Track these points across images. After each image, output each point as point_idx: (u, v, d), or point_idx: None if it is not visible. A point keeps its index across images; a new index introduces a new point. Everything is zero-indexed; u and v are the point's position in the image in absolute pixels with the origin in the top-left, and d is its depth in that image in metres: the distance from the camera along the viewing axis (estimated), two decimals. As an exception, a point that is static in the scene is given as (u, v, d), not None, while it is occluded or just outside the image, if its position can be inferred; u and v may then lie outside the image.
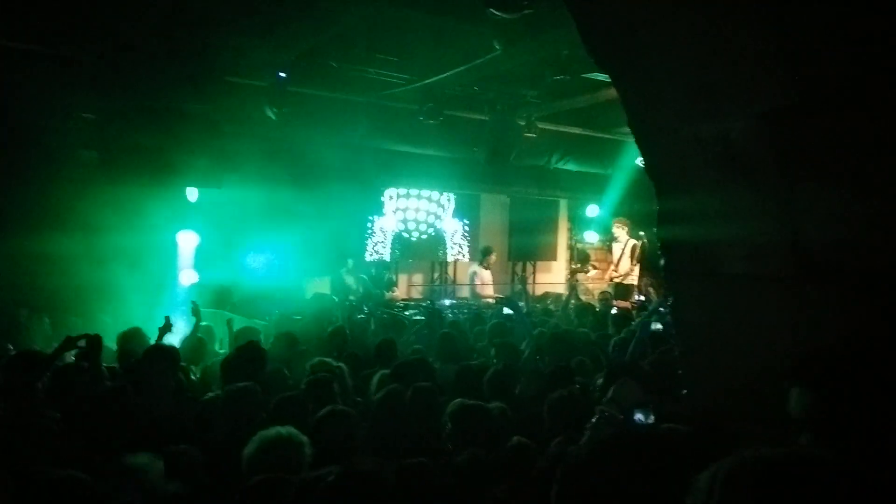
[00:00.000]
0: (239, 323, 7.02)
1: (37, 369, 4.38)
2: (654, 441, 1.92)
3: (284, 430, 3.09)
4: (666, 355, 4.88)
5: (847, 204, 2.50)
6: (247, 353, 4.82)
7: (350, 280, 10.87)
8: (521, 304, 9.10)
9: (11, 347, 6.11)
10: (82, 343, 4.74)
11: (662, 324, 6.46)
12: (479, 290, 11.11)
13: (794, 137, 2.44)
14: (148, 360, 4.61)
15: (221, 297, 8.73)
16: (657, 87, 2.83)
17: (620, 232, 10.99)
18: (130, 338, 5.70)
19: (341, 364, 4.82)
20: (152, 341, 5.42)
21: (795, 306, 2.79)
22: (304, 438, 3.07)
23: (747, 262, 2.91)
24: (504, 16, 5.70)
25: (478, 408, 3.63)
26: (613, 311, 8.76)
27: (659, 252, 3.46)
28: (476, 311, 9.50)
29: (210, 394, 4.46)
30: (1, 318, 7.48)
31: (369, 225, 11.87)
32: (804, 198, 2.58)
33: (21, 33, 6.81)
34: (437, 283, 13.22)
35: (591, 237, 13.75)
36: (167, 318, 5.63)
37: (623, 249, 10.89)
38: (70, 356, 4.79)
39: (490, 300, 10.63)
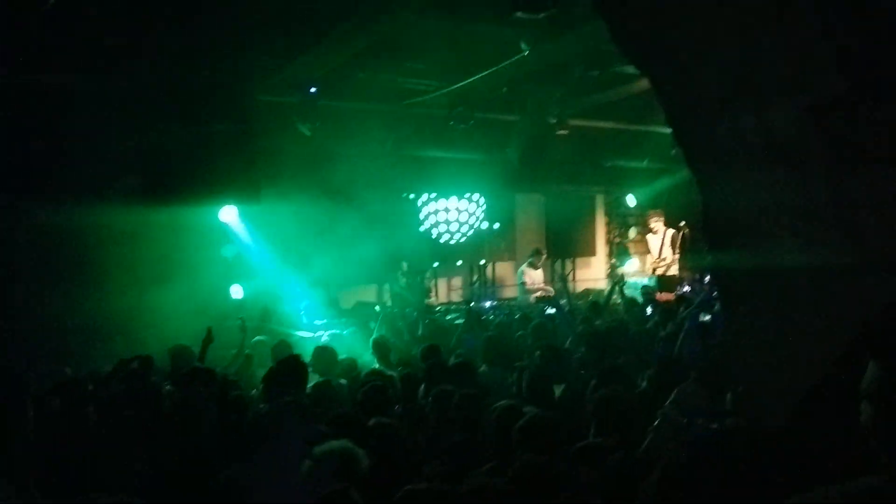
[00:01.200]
0: (279, 336, 7.14)
1: (90, 392, 4.52)
2: (749, 444, 1.88)
3: (339, 443, 3.12)
4: (718, 352, 4.79)
5: (901, 192, 2.43)
6: (287, 367, 4.87)
7: (403, 281, 10.99)
8: (563, 301, 9.06)
9: (69, 371, 6.30)
10: (135, 364, 4.88)
11: (711, 314, 6.34)
12: (529, 289, 11.09)
13: (843, 127, 2.38)
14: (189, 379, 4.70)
15: (265, 312, 8.86)
16: (694, 83, 2.79)
17: (657, 224, 10.87)
18: (178, 355, 5.83)
19: (393, 373, 4.86)
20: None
21: (852, 299, 2.72)
22: (360, 451, 3.09)
23: (800, 255, 2.85)
24: (530, 17, 5.67)
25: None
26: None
27: (704, 246, 3.40)
28: (519, 311, 9.46)
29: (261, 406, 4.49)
30: (56, 341, 7.72)
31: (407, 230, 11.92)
32: (857, 188, 2.51)
33: (59, 68, 7.02)
34: (477, 285, 13.21)
35: (631, 232, 13.64)
36: (209, 331, 5.76)
37: (663, 239, 10.76)
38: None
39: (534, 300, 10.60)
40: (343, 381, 5.34)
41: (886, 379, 1.62)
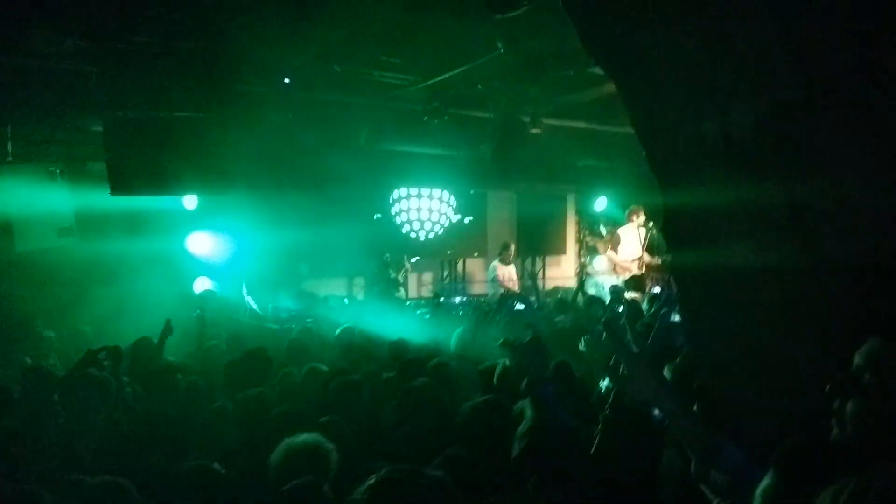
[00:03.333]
0: (247, 327, 7.10)
1: (55, 382, 4.46)
2: None
3: (311, 436, 3.11)
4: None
5: (853, 196, 2.50)
6: (252, 359, 4.85)
7: (391, 273, 10.95)
8: (532, 298, 9.11)
9: (29, 360, 6.20)
10: (103, 355, 4.81)
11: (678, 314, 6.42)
12: (503, 286, 11.08)
13: (798, 132, 2.44)
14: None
15: (231, 304, 8.78)
16: (657, 86, 2.84)
17: (638, 219, 10.81)
18: (141, 347, 5.77)
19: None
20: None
21: (804, 298, 2.79)
22: (331, 445, 3.08)
23: (755, 256, 2.91)
24: (505, 15, 5.70)
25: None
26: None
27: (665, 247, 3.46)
28: (489, 307, 9.49)
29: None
30: (17, 330, 7.59)
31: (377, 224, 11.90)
32: (812, 190, 2.58)
33: (27, 49, 6.89)
34: (447, 280, 13.24)
35: (601, 232, 13.71)
36: (168, 322, 5.71)
37: (641, 237, 10.73)
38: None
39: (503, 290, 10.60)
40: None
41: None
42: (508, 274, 11.22)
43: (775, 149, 2.55)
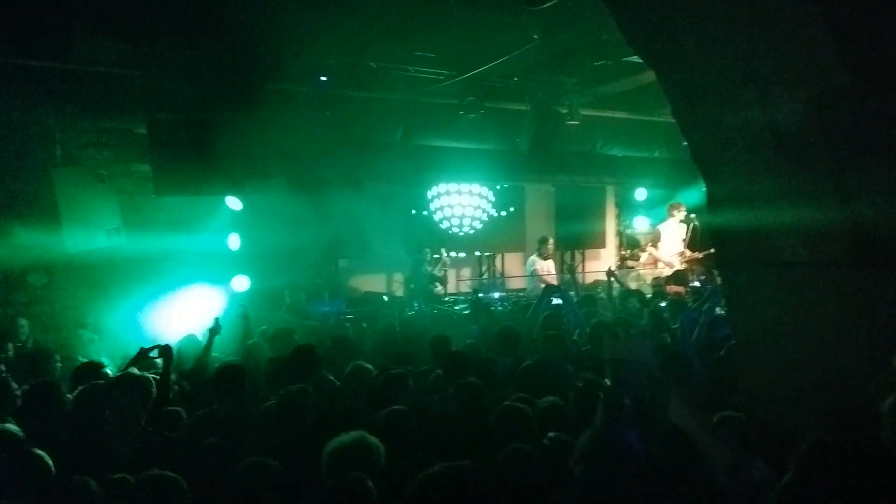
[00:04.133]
0: (286, 324, 7.17)
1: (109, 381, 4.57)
2: None
3: (354, 433, 3.15)
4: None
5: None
6: (302, 356, 4.87)
7: (430, 269, 10.99)
8: (572, 293, 9.04)
9: (81, 358, 6.38)
10: (155, 353, 4.92)
11: (723, 307, 6.33)
12: (541, 280, 11.02)
13: (845, 120, 2.36)
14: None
15: (275, 301, 8.90)
16: (701, 75, 2.78)
17: (679, 214, 10.72)
18: (185, 345, 5.88)
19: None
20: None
21: (855, 291, 2.71)
22: (376, 441, 3.12)
23: (804, 249, 2.84)
24: (540, 6, 5.65)
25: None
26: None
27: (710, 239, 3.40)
28: (527, 302, 9.45)
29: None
30: (68, 330, 7.83)
31: (416, 219, 11.92)
32: (860, 180, 2.50)
33: (71, 54, 7.07)
34: (486, 276, 13.21)
35: (641, 223, 13.50)
36: (216, 321, 5.80)
37: (687, 232, 10.65)
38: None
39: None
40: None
41: None
42: (547, 268, 11.15)
43: (823, 137, 2.48)
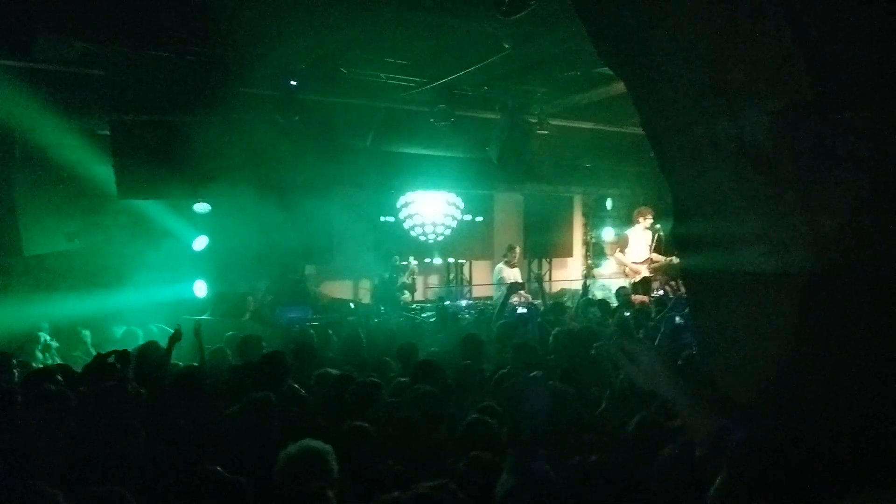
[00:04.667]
0: (251, 330, 7.07)
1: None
2: None
3: (314, 442, 3.10)
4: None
5: (867, 198, 2.45)
6: (271, 364, 4.79)
7: (397, 276, 10.93)
8: (538, 301, 9.08)
9: (34, 364, 6.20)
10: (112, 359, 4.81)
11: (682, 317, 6.40)
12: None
13: (813, 133, 2.40)
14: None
15: (238, 307, 8.77)
16: (669, 86, 2.80)
17: (646, 221, 10.79)
18: (147, 351, 5.75)
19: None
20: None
21: (817, 304, 2.74)
22: (329, 449, 3.07)
23: (767, 259, 2.86)
24: (513, 16, 5.68)
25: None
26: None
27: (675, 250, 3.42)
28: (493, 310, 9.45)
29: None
30: (24, 334, 7.60)
31: (384, 226, 11.86)
32: (825, 193, 2.53)
33: (33, 53, 6.90)
34: (453, 283, 13.21)
35: (608, 234, 13.64)
36: (177, 328, 5.69)
37: (652, 239, 10.72)
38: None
39: (515, 299, 10.53)
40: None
41: None
42: (513, 276, 11.17)
43: (790, 150, 2.51)
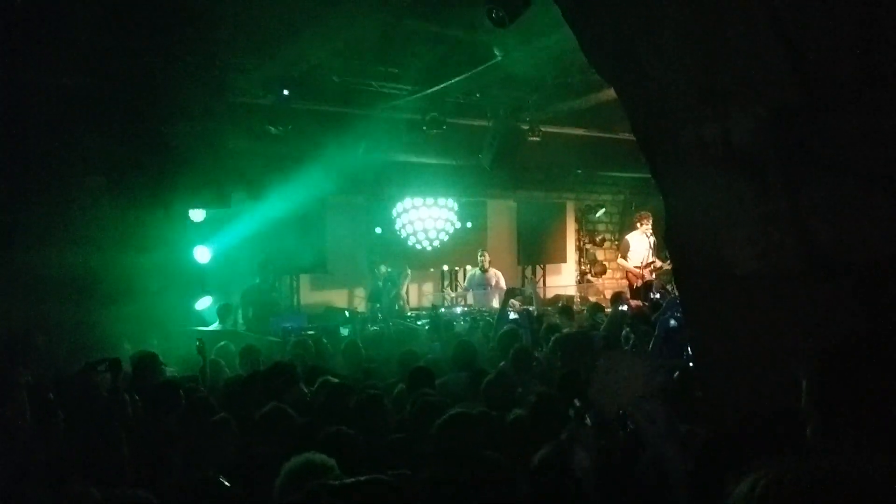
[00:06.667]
0: (245, 341, 7.08)
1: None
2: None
3: (316, 456, 3.10)
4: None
5: (854, 200, 2.50)
6: (279, 373, 4.79)
7: (390, 285, 10.93)
8: (532, 308, 9.10)
9: (30, 378, 6.17)
10: (103, 367, 4.78)
11: (676, 320, 6.42)
12: (491, 293, 11.05)
13: (798, 136, 2.44)
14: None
15: (227, 315, 8.78)
16: (658, 92, 2.84)
17: (645, 226, 10.81)
18: (143, 361, 5.74)
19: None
20: (166, 367, 5.51)
21: (807, 303, 2.79)
22: (332, 462, 3.06)
23: (757, 261, 2.90)
24: (505, 26, 5.74)
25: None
26: (623, 307, 8.72)
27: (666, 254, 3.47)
28: (487, 317, 9.48)
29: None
30: (16, 342, 7.55)
31: (378, 235, 11.87)
32: (813, 196, 2.58)
33: (24, 64, 6.90)
34: (447, 291, 13.22)
35: (599, 239, 13.72)
36: (200, 342, 5.80)
37: (650, 243, 10.74)
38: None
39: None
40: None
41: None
42: (495, 278, 11.19)
43: (776, 153, 2.56)
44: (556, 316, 8.47)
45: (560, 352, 5.87)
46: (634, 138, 3.32)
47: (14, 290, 7.75)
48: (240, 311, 9.20)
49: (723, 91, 2.61)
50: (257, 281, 9.57)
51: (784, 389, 2.73)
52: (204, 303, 8.78)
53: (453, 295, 11.83)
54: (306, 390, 4.83)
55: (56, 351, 7.18)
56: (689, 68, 2.66)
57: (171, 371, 5.80)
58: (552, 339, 6.48)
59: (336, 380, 4.84)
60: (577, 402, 2.16)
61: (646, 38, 2.73)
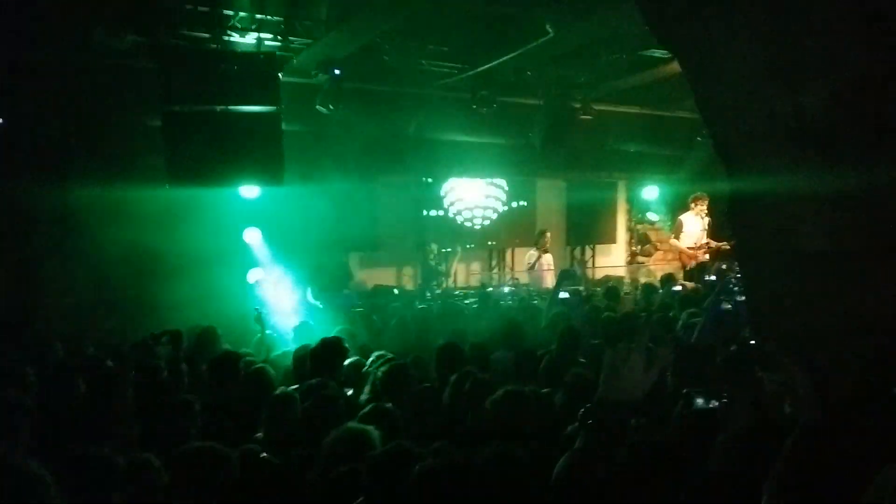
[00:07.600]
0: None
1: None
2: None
3: (352, 425, 3.16)
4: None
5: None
6: (330, 348, 4.87)
7: (434, 263, 11.00)
8: (581, 288, 9.04)
9: (92, 349, 6.41)
10: (165, 339, 4.95)
11: (731, 303, 6.29)
12: (542, 275, 10.99)
13: (875, 110, 2.35)
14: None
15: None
16: (726, 65, 2.76)
17: (701, 207, 10.57)
18: (205, 335, 5.90)
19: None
20: (223, 340, 5.66)
21: (878, 283, 2.70)
22: (376, 433, 3.11)
23: (826, 239, 2.82)
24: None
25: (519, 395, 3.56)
26: (677, 287, 8.59)
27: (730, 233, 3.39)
28: (536, 297, 9.45)
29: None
30: (81, 320, 7.85)
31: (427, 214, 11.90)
32: (884, 172, 2.48)
33: (85, 47, 7.09)
34: (496, 270, 13.21)
35: (652, 219, 13.48)
36: (258, 310, 6.04)
37: (706, 225, 10.54)
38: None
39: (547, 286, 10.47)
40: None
41: None
42: (547, 262, 11.11)
43: (850, 128, 2.47)
44: (601, 298, 8.39)
45: (603, 335, 5.83)
46: (688, 116, 3.25)
47: (78, 269, 8.07)
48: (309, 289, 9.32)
49: (794, 63, 2.52)
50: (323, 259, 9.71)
51: (862, 368, 2.67)
52: (255, 274, 8.95)
53: (514, 274, 11.81)
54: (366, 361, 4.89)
55: (118, 325, 7.46)
56: (759, 40, 2.58)
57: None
58: (602, 318, 6.44)
59: (390, 355, 4.89)
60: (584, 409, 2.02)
61: (713, 8, 2.66)
